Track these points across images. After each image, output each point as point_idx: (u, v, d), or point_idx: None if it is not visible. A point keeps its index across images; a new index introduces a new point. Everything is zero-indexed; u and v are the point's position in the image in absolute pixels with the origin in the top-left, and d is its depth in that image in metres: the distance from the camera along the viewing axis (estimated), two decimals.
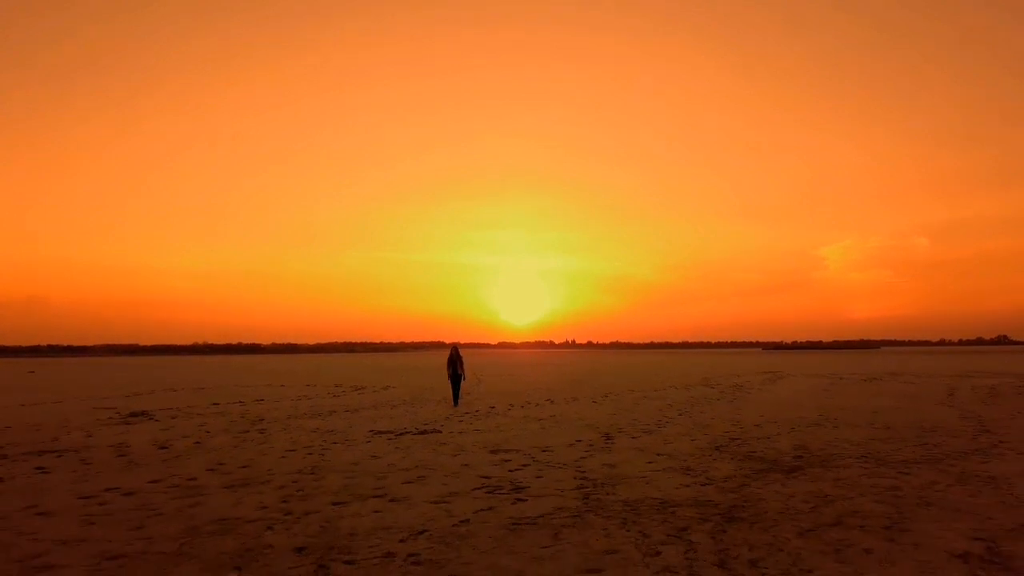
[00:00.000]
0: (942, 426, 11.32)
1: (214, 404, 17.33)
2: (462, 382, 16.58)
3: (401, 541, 4.87)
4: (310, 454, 8.99)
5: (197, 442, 10.27)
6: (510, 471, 7.61)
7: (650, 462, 8.09)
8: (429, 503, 6.07)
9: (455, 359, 16.23)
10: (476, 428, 11.72)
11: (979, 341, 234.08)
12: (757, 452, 8.78)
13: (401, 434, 10.95)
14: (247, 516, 5.65)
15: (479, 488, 6.70)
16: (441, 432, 11.18)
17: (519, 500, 6.15)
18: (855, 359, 60.00)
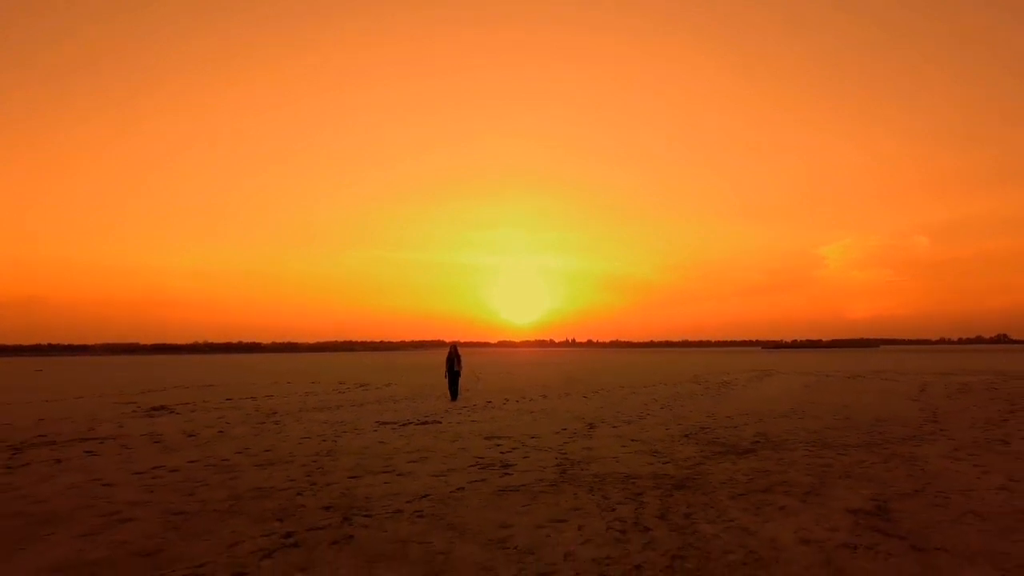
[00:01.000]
0: (896, 417, 12.44)
1: (227, 399, 18.46)
2: (459, 377, 17.73)
3: (408, 502, 6.00)
4: (324, 441, 10.11)
5: (220, 431, 11.39)
6: (501, 453, 8.73)
7: (624, 446, 9.21)
8: (430, 476, 7.19)
9: (454, 357, 17.40)
10: (473, 419, 12.84)
11: (979, 340, 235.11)
12: (721, 439, 9.89)
13: (404, 424, 12.08)
14: (279, 486, 6.78)
15: (473, 465, 7.82)
16: (441, 423, 12.30)
17: (506, 474, 7.28)
18: (851, 358, 61.10)
